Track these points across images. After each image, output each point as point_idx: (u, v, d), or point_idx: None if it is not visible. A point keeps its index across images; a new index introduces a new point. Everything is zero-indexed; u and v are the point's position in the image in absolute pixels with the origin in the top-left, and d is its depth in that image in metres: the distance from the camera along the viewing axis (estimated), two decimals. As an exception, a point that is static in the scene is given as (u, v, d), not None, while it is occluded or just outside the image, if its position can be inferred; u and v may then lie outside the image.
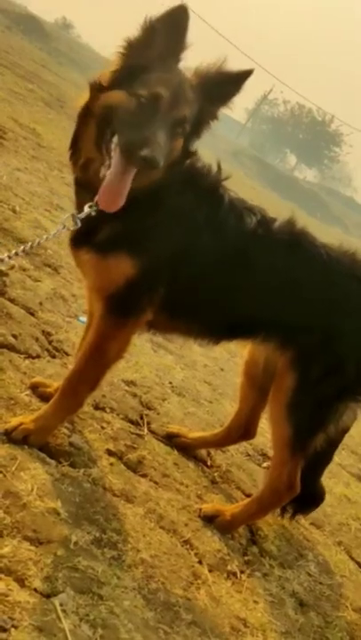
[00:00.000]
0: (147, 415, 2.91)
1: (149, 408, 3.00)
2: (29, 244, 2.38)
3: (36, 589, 1.67)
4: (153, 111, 1.95)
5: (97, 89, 2.06)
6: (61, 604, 1.66)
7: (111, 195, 2.00)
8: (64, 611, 1.65)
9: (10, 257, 2.33)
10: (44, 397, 2.46)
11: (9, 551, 1.72)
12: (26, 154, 6.76)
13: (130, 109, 1.97)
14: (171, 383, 3.44)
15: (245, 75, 2.09)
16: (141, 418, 2.86)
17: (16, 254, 2.35)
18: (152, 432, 2.80)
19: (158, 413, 2.99)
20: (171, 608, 1.89)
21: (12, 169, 5.65)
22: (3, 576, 1.64)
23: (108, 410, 2.75)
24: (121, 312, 2.24)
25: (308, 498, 2.64)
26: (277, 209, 2.44)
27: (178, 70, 2.06)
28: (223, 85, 2.08)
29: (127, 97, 1.99)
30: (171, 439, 2.81)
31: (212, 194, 2.29)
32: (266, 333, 2.37)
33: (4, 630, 1.50)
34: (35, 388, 2.52)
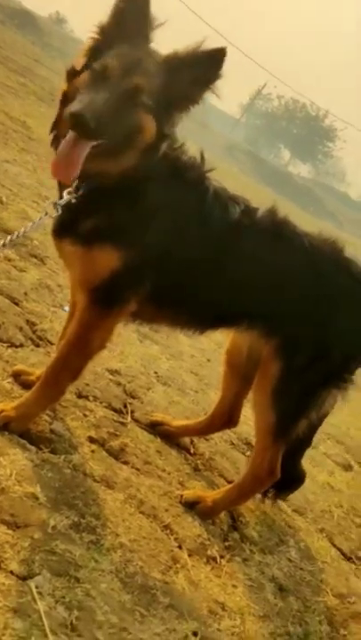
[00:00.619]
0: (130, 404, 2.92)
1: (133, 397, 3.01)
2: (15, 233, 2.39)
3: (12, 572, 1.68)
4: (101, 81, 1.93)
5: (72, 74, 2.06)
6: (37, 587, 1.67)
7: (62, 164, 1.96)
8: (40, 593, 1.66)
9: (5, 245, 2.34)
10: (26, 385, 2.47)
11: (-14, 534, 1.73)
12: (15, 146, 6.74)
13: (84, 83, 1.97)
14: (156, 373, 3.45)
15: (218, 53, 2.02)
16: (125, 406, 2.87)
17: (4, 245, 2.36)
18: (135, 420, 2.81)
19: (142, 402, 3.00)
20: (148, 591, 1.90)
21: (0, 161, 5.65)
22: (-21, 558, 1.65)
23: (91, 398, 2.76)
24: (105, 303, 2.24)
25: (288, 481, 2.66)
26: (271, 204, 2.44)
27: (144, 48, 2.05)
28: (198, 67, 2.03)
29: (87, 74, 1.99)
30: (154, 427, 2.83)
31: (197, 185, 2.28)
32: (250, 322, 2.37)
33: (-21, 611, 1.51)
34: (17, 375, 2.53)
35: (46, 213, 2.25)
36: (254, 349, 2.46)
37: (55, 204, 2.19)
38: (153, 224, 2.19)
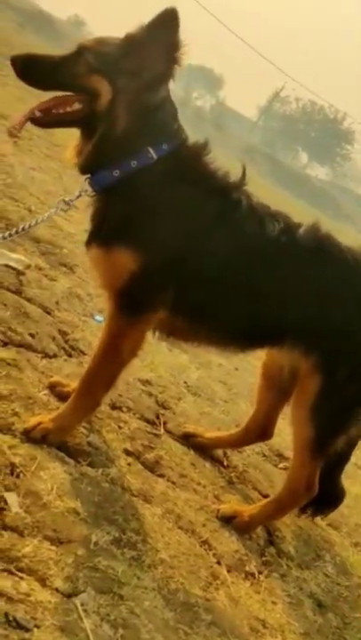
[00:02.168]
0: (163, 415, 2.91)
1: (165, 407, 3.00)
2: (20, 226, 2.54)
3: (57, 589, 1.67)
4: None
5: None
6: (82, 604, 1.67)
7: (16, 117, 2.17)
8: (85, 610, 1.66)
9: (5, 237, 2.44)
10: (62, 397, 2.47)
11: (30, 551, 1.73)
12: (40, 153, 6.78)
13: None
14: (186, 383, 3.45)
15: (168, 16, 2.04)
16: (158, 417, 2.86)
17: (10, 235, 2.47)
18: (168, 432, 2.81)
19: (174, 413, 3.00)
20: (190, 608, 1.89)
21: (26, 168, 5.68)
22: (24, 576, 1.65)
23: (124, 409, 2.75)
24: (130, 310, 2.25)
25: (327, 498, 2.64)
26: (289, 207, 2.44)
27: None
28: (156, 35, 2.05)
29: None
30: (187, 439, 2.81)
31: (224, 194, 2.27)
32: (292, 339, 2.35)
33: (27, 630, 1.50)
34: (52, 387, 2.53)
35: (57, 209, 2.48)
36: (293, 364, 2.43)
37: (65, 201, 2.45)
38: (168, 226, 2.19)
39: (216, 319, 2.40)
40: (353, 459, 3.74)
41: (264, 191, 20.94)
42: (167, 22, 2.04)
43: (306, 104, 66.92)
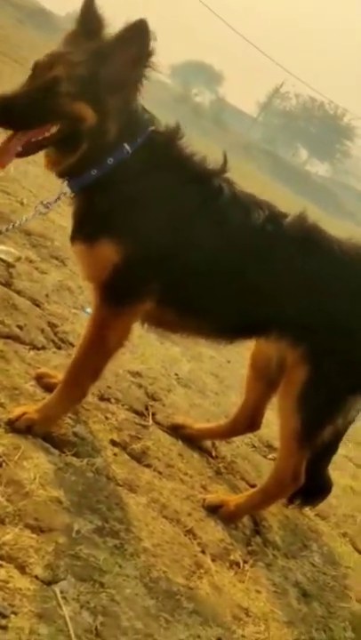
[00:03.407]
0: (152, 406, 2.91)
1: (155, 399, 3.01)
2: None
3: (36, 577, 1.68)
4: (31, 78, 2.10)
5: None
6: (62, 592, 1.67)
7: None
8: (65, 598, 1.66)
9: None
10: (49, 388, 2.47)
11: (10, 538, 1.73)
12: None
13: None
14: (177, 375, 3.45)
15: (139, 27, 2.04)
16: (146, 409, 2.87)
17: None
18: (157, 423, 2.81)
19: (164, 404, 3.00)
20: (172, 597, 1.89)
21: (19, 162, 5.65)
22: (4, 563, 1.65)
23: (112, 401, 2.76)
24: (115, 301, 2.27)
25: (315, 489, 2.64)
26: (289, 204, 2.44)
27: (86, 43, 2.13)
28: (127, 45, 2.06)
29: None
30: (176, 430, 2.82)
31: (203, 182, 2.27)
32: (279, 330, 2.35)
33: (4, 616, 1.51)
34: (39, 378, 2.53)
35: (36, 212, 2.61)
36: (280, 355, 2.44)
37: (43, 204, 2.53)
38: (148, 216, 2.20)
39: (203, 310, 2.40)
40: (343, 451, 3.76)
41: (264, 187, 20.90)
42: (139, 32, 2.05)
43: (306, 100, 66.77)
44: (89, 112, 2.07)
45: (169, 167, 2.23)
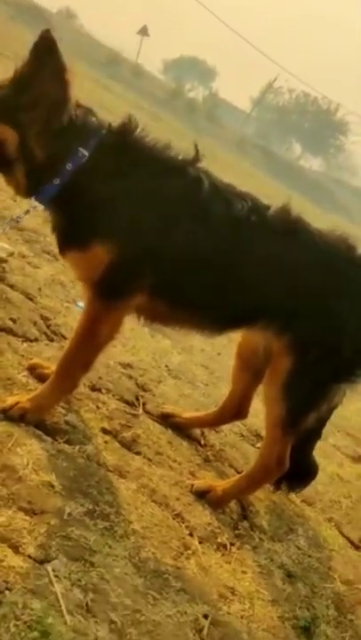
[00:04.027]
0: (142, 396, 2.99)
1: (145, 390, 3.08)
2: None
3: (29, 556, 1.75)
4: None
5: None
6: (54, 570, 1.75)
7: None
8: (56, 576, 1.74)
9: None
10: (42, 379, 2.54)
11: (4, 520, 1.81)
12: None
13: None
14: (167, 366, 3.52)
15: (43, 41, 2.09)
16: (137, 399, 2.94)
17: None
18: (147, 412, 2.88)
19: (154, 395, 3.07)
20: (160, 576, 1.97)
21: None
22: (-2, 543, 1.73)
23: (104, 391, 2.83)
24: (107, 296, 2.34)
25: (301, 474, 2.72)
26: (283, 198, 2.50)
27: None
28: (40, 62, 2.11)
29: None
30: (165, 419, 2.89)
31: (178, 174, 2.33)
32: (264, 321, 2.43)
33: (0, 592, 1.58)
34: (32, 369, 2.61)
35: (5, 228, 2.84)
36: (266, 344, 2.51)
37: (14, 219, 2.67)
38: (126, 212, 2.27)
39: (191, 302, 2.47)
40: (331, 440, 3.86)
41: (257, 182, 20.94)
42: (46, 48, 2.10)
43: (299, 95, 66.69)
44: (9, 133, 2.16)
45: (135, 161, 2.29)
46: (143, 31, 40.85)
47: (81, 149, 2.21)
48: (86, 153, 2.22)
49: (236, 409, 2.84)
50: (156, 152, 2.33)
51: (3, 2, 29.72)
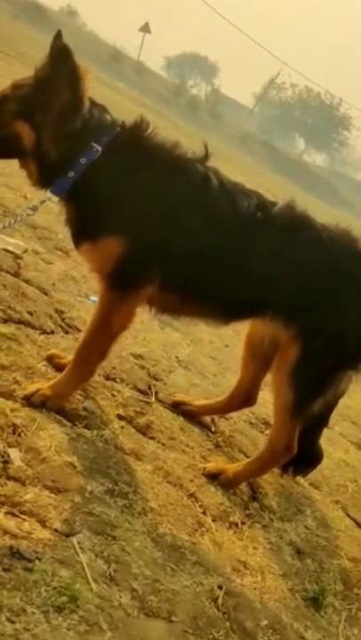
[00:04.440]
0: (154, 385, 3.11)
1: (157, 379, 3.20)
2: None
3: (56, 530, 1.88)
4: None
5: None
6: (79, 543, 1.87)
7: None
8: (81, 548, 1.86)
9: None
10: (59, 368, 2.67)
11: (31, 497, 1.93)
12: (35, 143, 6.94)
13: None
14: (177, 357, 3.64)
15: (55, 48, 2.23)
16: (149, 388, 3.06)
17: None
18: (159, 400, 3.00)
19: (165, 384, 3.19)
20: (177, 550, 2.10)
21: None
22: (27, 518, 1.86)
23: (118, 380, 2.95)
24: (119, 287, 2.46)
25: (307, 459, 2.84)
26: (286, 194, 2.62)
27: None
28: (56, 68, 2.24)
29: None
30: (177, 407, 3.01)
31: (185, 171, 2.44)
32: (272, 312, 2.53)
33: (30, 561, 1.71)
34: (50, 359, 2.73)
35: (19, 216, 2.82)
36: (273, 334, 2.62)
37: (30, 208, 2.69)
38: (137, 205, 2.39)
39: (200, 294, 2.59)
40: (337, 428, 3.98)
41: (261, 178, 21.05)
42: (60, 56, 2.24)
43: (302, 90, 66.71)
44: (25, 130, 2.29)
45: (147, 157, 2.41)
46: (145, 28, 40.90)
47: (95, 144, 2.34)
48: (99, 148, 2.34)
49: (244, 397, 2.96)
50: (166, 150, 2.45)
51: (5, 1, 29.81)
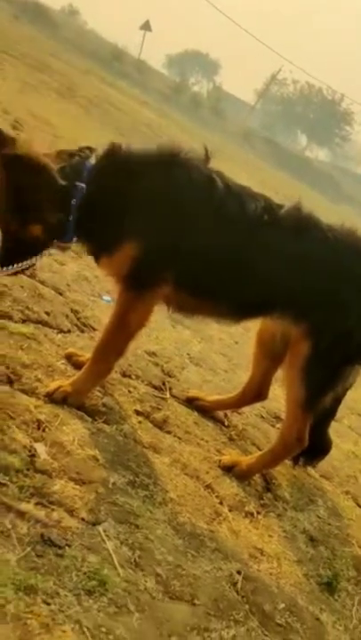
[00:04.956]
0: (168, 382, 3.21)
1: (170, 376, 3.30)
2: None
3: (83, 519, 1.98)
4: None
5: None
6: (104, 531, 1.97)
7: None
8: (107, 536, 1.96)
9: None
10: (78, 365, 2.77)
11: (58, 488, 2.03)
12: (42, 145, 7.04)
13: None
14: (189, 354, 3.74)
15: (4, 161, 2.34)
16: (163, 384, 3.16)
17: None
18: (174, 396, 3.10)
19: (178, 380, 3.29)
20: (197, 537, 2.20)
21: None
22: (55, 507, 1.96)
23: (133, 377, 3.05)
24: (136, 287, 2.56)
25: (317, 449, 2.93)
26: (290, 190, 2.71)
27: None
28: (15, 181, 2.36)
29: None
30: (191, 402, 3.11)
31: (189, 175, 2.51)
32: (282, 310, 2.63)
33: (60, 547, 1.81)
34: (69, 357, 2.83)
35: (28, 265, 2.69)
36: (284, 332, 2.72)
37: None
38: (140, 218, 2.48)
39: (213, 294, 2.68)
40: (346, 421, 4.07)
41: (264, 174, 21.10)
42: (11, 166, 2.35)
43: (303, 86, 66.58)
44: (37, 228, 2.47)
45: (132, 170, 2.50)
46: (146, 26, 40.91)
47: (78, 184, 2.43)
48: (83, 185, 2.44)
49: (256, 392, 3.06)
50: (145, 156, 2.56)
51: (6, 1, 29.88)
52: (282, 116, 66.38)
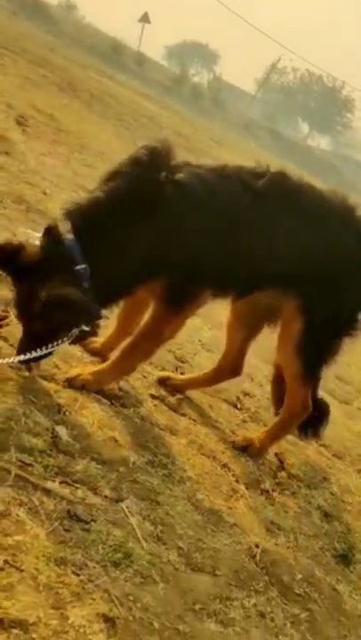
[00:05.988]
0: (181, 367, 3.27)
1: (183, 362, 3.37)
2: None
3: (106, 496, 2.05)
4: None
5: None
6: (127, 507, 2.05)
7: None
8: (130, 512, 2.04)
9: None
10: (93, 352, 2.85)
11: (81, 468, 2.10)
12: (47, 138, 7.09)
13: None
14: (200, 341, 3.81)
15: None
16: (176, 369, 3.23)
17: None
18: (187, 381, 3.16)
19: (191, 365, 3.36)
20: (215, 513, 2.27)
21: (37, 154, 6.00)
22: (79, 486, 2.03)
23: (147, 363, 3.11)
24: (173, 303, 2.61)
25: (317, 415, 2.98)
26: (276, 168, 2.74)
27: None
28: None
29: None
30: (163, 383, 3.01)
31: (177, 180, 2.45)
32: (273, 285, 2.70)
33: (87, 522, 1.88)
34: (85, 345, 2.90)
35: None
36: (268, 305, 2.79)
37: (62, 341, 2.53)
38: (152, 248, 2.44)
39: (220, 279, 2.73)
40: (356, 403, 4.13)
41: (267, 164, 20.97)
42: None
43: (303, 74, 66.29)
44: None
45: (107, 214, 2.39)
46: (144, 18, 40.75)
47: (78, 267, 2.30)
48: (84, 265, 2.30)
49: (231, 367, 3.09)
50: (114, 200, 2.41)
51: (4, -2, 29.81)
52: (283, 105, 66.08)
